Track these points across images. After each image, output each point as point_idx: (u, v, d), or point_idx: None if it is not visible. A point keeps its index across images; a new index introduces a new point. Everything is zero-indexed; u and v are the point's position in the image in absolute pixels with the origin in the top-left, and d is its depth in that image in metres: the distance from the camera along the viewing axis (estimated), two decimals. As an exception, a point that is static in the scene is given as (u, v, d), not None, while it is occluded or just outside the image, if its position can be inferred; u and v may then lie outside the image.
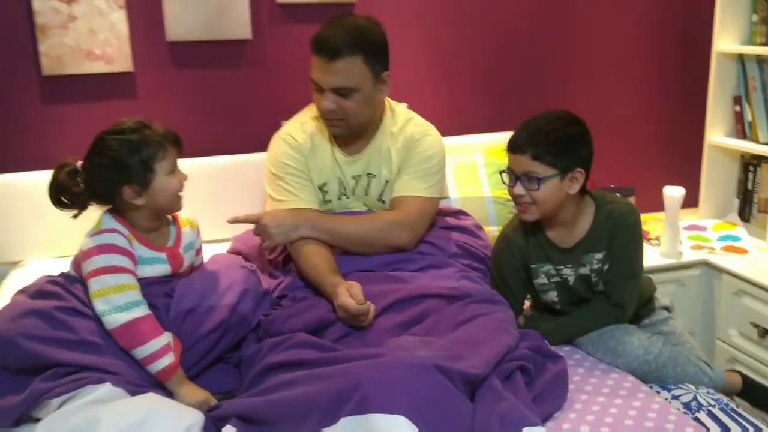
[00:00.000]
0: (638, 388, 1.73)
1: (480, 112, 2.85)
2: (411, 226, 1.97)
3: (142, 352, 1.59)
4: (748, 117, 2.78)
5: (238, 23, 2.53)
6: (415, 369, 1.37)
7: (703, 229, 2.86)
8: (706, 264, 2.64)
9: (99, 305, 1.61)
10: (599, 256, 1.89)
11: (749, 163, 2.87)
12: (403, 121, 2.10)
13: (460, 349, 1.55)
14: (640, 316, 2.03)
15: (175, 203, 1.78)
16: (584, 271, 1.91)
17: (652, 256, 2.66)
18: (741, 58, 2.78)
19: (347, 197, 2.07)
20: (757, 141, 2.75)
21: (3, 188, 2.33)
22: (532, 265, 1.92)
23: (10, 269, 2.35)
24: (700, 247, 2.71)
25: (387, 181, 2.07)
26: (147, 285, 1.70)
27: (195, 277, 1.82)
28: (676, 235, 2.64)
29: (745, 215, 2.91)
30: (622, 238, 1.87)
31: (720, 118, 2.86)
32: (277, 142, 2.06)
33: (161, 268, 1.77)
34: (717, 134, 2.88)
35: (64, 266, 2.23)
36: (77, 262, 1.73)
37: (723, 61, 2.81)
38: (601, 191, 2.07)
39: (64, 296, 1.66)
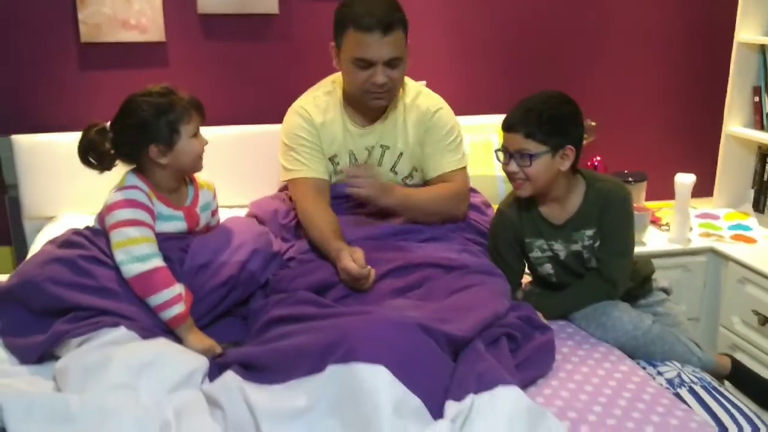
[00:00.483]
0: (623, 362, 1.81)
1: (497, 93, 2.91)
2: (465, 196, 2.19)
3: (155, 300, 1.72)
4: (767, 108, 2.79)
5: (266, -2, 2.63)
6: (399, 326, 1.47)
7: (715, 217, 2.89)
8: (713, 251, 2.68)
9: (119, 255, 1.74)
10: (590, 232, 1.96)
11: (766, 154, 2.88)
12: (414, 94, 2.19)
13: (449, 313, 1.65)
14: (637, 296, 2.09)
15: (197, 164, 1.90)
16: (576, 247, 1.98)
17: (660, 241, 2.71)
18: (762, 49, 2.79)
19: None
20: (774, 132, 2.77)
21: (40, 147, 2.48)
22: (526, 240, 2.01)
23: (45, 223, 2.50)
24: (708, 235, 2.75)
25: (401, 153, 2.16)
26: (164, 240, 1.83)
27: (210, 235, 1.94)
28: (686, 222, 2.69)
29: (759, 206, 2.93)
30: (612, 215, 1.94)
31: (738, 108, 2.88)
32: (290, 115, 2.16)
33: (178, 225, 1.89)
34: (735, 124, 2.90)
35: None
36: (101, 216, 1.85)
37: (744, 51, 2.82)
38: (592, 171, 2.13)
39: (87, 246, 1.79)
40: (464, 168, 2.22)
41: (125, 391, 1.47)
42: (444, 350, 1.52)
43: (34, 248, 2.31)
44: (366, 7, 1.96)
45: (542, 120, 1.86)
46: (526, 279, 2.18)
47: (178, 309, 1.73)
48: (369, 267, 1.81)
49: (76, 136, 2.45)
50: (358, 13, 1.96)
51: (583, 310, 1.98)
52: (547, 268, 2.03)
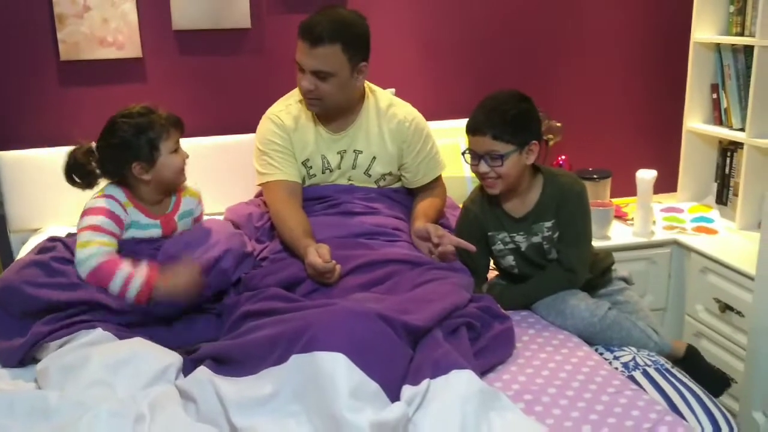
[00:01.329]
0: (580, 347, 1.90)
1: (464, 98, 3.00)
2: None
3: (112, 289, 1.84)
4: (724, 104, 2.90)
5: (238, 13, 2.74)
6: (358, 315, 1.57)
7: (680, 211, 2.99)
8: (677, 243, 2.79)
9: (76, 256, 1.88)
10: (548, 224, 2.06)
11: (727, 149, 2.99)
12: (386, 102, 2.30)
13: (409, 304, 1.74)
14: (596, 286, 2.19)
15: (178, 177, 2.02)
16: (536, 239, 2.08)
17: (625, 235, 2.81)
18: (718, 48, 2.91)
19: (330, 171, 2.27)
20: (731, 127, 2.87)
21: (23, 162, 2.57)
22: (489, 233, 2.10)
23: (30, 236, 2.59)
24: (672, 228, 2.85)
25: (374, 157, 2.27)
26: (136, 243, 1.94)
27: (184, 233, 2.06)
28: (648, 216, 2.79)
29: (722, 199, 3.03)
30: (568, 207, 2.04)
31: (698, 105, 2.99)
32: (264, 121, 2.27)
33: (153, 232, 2.01)
34: (695, 121, 3.01)
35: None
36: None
37: (700, 50, 2.93)
38: (549, 167, 2.23)
39: (60, 249, 1.92)
40: (442, 170, 2.41)
41: (102, 387, 1.57)
42: (402, 339, 1.61)
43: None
44: (313, 18, 2.09)
45: (506, 120, 1.95)
46: (492, 274, 2.28)
47: (136, 286, 1.83)
48: (334, 261, 1.90)
49: (58, 151, 2.59)
50: (305, 21, 2.09)
51: (544, 299, 2.08)
52: (509, 260, 2.13)
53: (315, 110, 2.20)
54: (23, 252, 2.42)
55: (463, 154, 2.06)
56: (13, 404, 1.48)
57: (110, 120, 1.97)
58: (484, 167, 2.00)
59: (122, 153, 1.93)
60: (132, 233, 1.97)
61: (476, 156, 2.01)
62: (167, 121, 1.97)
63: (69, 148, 2.56)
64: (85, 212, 1.93)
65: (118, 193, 1.97)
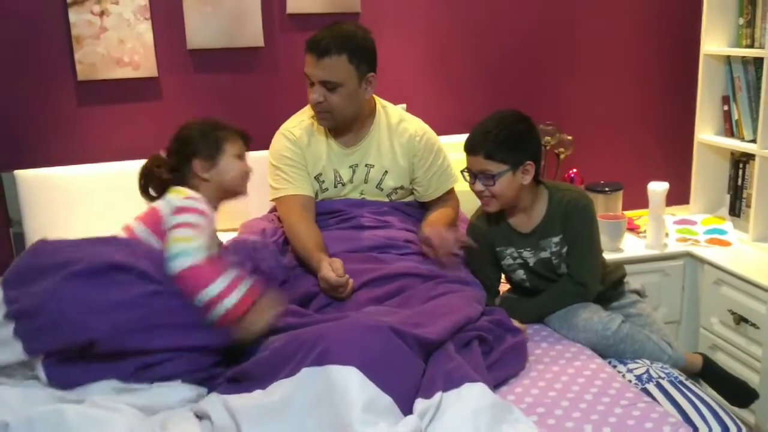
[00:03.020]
0: (592, 360, 1.91)
1: (475, 113, 2.99)
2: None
3: (211, 290, 1.72)
4: (735, 116, 2.91)
5: (252, 32, 2.78)
6: (370, 329, 1.58)
7: (693, 223, 2.99)
8: (690, 255, 2.78)
9: (174, 248, 1.76)
10: (556, 239, 2.07)
11: (739, 160, 2.99)
12: (397, 117, 2.33)
13: (422, 318, 1.76)
14: (609, 299, 2.19)
15: (241, 185, 2.04)
16: (544, 254, 2.09)
17: (637, 247, 2.81)
18: (728, 60, 2.91)
19: (343, 185, 2.30)
20: (743, 139, 2.87)
21: (41, 181, 2.61)
22: (497, 248, 2.12)
23: (48, 253, 2.63)
24: (685, 240, 2.85)
25: (386, 171, 2.29)
26: None
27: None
28: (661, 228, 2.79)
29: (735, 210, 3.02)
30: (575, 222, 2.05)
31: (709, 117, 3.00)
32: (277, 138, 2.31)
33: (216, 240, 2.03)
34: (706, 132, 3.01)
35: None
36: (152, 220, 1.91)
37: (710, 62, 2.94)
38: (554, 181, 2.24)
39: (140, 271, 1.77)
40: (455, 184, 2.43)
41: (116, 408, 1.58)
42: (415, 352, 1.63)
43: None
44: (319, 33, 2.14)
45: (499, 141, 1.98)
46: (504, 286, 2.29)
47: (239, 294, 1.74)
48: (347, 276, 1.92)
49: (76, 169, 2.65)
50: (313, 36, 2.14)
51: (557, 312, 2.09)
52: (520, 274, 2.14)
53: (326, 124, 2.23)
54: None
55: (462, 172, 2.09)
56: (32, 424, 1.48)
57: (182, 125, 2.06)
58: (479, 186, 2.03)
59: (186, 147, 1.98)
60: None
61: (473, 175, 2.04)
62: (234, 130, 2.04)
63: (86, 166, 2.65)
64: (182, 209, 1.85)
65: (199, 196, 1.93)
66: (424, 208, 2.39)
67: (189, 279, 1.74)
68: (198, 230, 1.83)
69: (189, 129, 2.01)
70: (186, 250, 1.76)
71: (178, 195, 1.93)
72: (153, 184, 2.00)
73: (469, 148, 2.02)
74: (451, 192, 2.41)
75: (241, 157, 2.02)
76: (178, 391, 1.69)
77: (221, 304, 1.72)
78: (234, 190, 2.04)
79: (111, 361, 1.68)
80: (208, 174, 1.97)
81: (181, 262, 1.75)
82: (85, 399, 1.63)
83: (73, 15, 2.61)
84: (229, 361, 1.80)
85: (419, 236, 2.17)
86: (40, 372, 1.67)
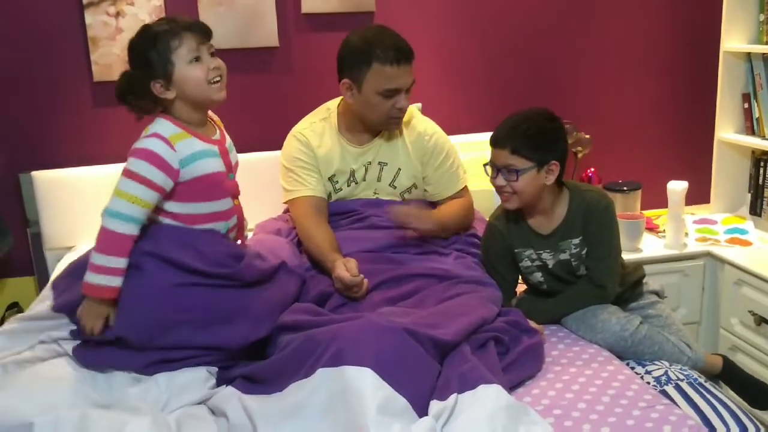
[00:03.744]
0: (610, 362, 1.88)
1: (490, 112, 3.01)
2: (473, 207, 2.40)
3: (96, 260, 1.69)
4: (756, 114, 2.86)
5: (266, 32, 2.78)
6: (384, 330, 1.57)
7: (713, 222, 2.95)
8: (710, 255, 2.74)
9: (114, 203, 1.70)
10: (576, 241, 2.04)
11: (760, 159, 2.94)
12: (408, 116, 2.32)
13: (437, 318, 1.74)
14: (628, 300, 2.16)
15: (208, 92, 1.76)
16: (564, 256, 2.06)
17: (656, 247, 2.78)
18: (749, 57, 2.87)
19: (356, 184, 2.29)
20: (764, 137, 2.83)
21: (58, 182, 2.63)
22: (516, 250, 2.09)
23: (65, 253, 2.64)
24: (705, 239, 2.81)
25: (399, 169, 2.29)
26: (214, 186, 1.83)
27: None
28: (680, 228, 2.75)
29: (756, 210, 2.98)
30: (595, 223, 2.02)
31: (729, 115, 2.95)
32: (289, 140, 2.30)
33: (215, 163, 1.82)
34: (726, 131, 2.96)
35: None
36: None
37: (731, 59, 2.89)
38: (575, 182, 2.21)
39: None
40: (466, 186, 2.41)
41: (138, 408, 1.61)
42: (430, 353, 1.61)
43: (55, 277, 2.45)
44: (388, 43, 2.09)
45: (527, 136, 1.95)
46: (521, 287, 2.26)
47: (107, 281, 1.68)
48: (361, 275, 1.91)
49: (92, 170, 2.66)
50: (383, 49, 2.08)
51: (574, 313, 2.06)
52: (537, 276, 2.12)
53: (397, 128, 2.26)
54: (59, 269, 2.47)
55: (484, 165, 2.06)
56: (57, 424, 1.50)
57: (128, 43, 1.78)
58: (500, 181, 2.00)
59: (139, 73, 1.74)
60: (194, 169, 1.76)
61: (495, 169, 2.01)
62: (179, 27, 1.71)
63: (103, 167, 2.66)
64: (134, 152, 1.73)
65: (164, 125, 1.77)
66: (436, 206, 2.38)
67: (100, 235, 1.70)
68: (142, 187, 1.68)
69: (134, 45, 1.74)
70: (120, 214, 1.68)
71: (146, 131, 1.78)
72: (127, 98, 1.79)
73: (495, 141, 2.00)
74: (461, 192, 2.39)
75: (197, 59, 1.73)
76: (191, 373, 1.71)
77: (87, 273, 1.69)
78: (202, 100, 1.78)
79: (133, 350, 1.72)
80: (170, 93, 1.74)
81: (108, 221, 1.69)
82: (109, 395, 1.67)
83: (89, 16, 2.63)
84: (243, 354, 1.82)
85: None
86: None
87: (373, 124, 2.22)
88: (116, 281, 1.69)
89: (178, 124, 1.78)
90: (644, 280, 2.22)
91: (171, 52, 1.72)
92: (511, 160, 1.96)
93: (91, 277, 1.69)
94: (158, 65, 1.72)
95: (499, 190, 2.02)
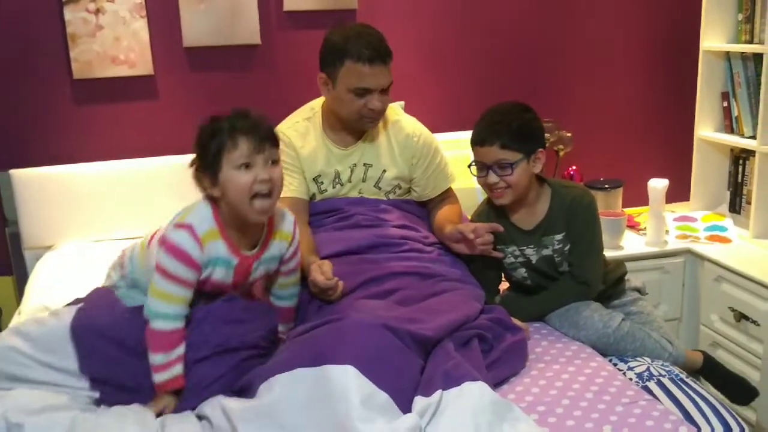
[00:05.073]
0: (593, 358, 1.89)
1: (473, 110, 2.97)
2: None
3: (155, 360, 1.66)
4: (735, 112, 2.89)
5: (248, 29, 2.76)
6: (363, 327, 1.57)
7: (693, 220, 2.98)
8: (690, 252, 2.77)
9: (151, 303, 1.67)
10: (558, 237, 2.05)
11: (739, 157, 2.98)
12: (394, 116, 2.32)
13: (419, 315, 1.74)
14: (610, 297, 2.18)
15: (246, 208, 1.64)
16: (547, 252, 2.07)
17: (637, 245, 2.80)
18: (727, 56, 2.90)
19: (342, 185, 2.28)
20: (743, 135, 2.86)
21: (37, 180, 2.59)
22: (498, 246, 2.10)
23: (44, 252, 2.60)
24: (685, 237, 2.83)
25: (384, 170, 2.28)
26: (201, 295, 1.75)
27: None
28: (661, 225, 2.78)
29: (735, 207, 3.01)
30: (578, 220, 2.04)
31: (708, 114, 2.98)
32: None
33: (223, 273, 1.72)
34: (706, 129, 3.00)
35: (92, 250, 2.51)
36: (155, 238, 1.76)
37: (710, 58, 2.92)
38: (556, 179, 2.23)
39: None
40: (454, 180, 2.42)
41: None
42: (411, 349, 1.61)
43: (34, 276, 2.42)
44: (363, 41, 2.08)
45: (512, 130, 1.97)
46: (504, 286, 2.27)
47: (161, 377, 1.66)
48: (336, 279, 1.89)
49: (72, 168, 2.63)
50: (358, 47, 2.07)
51: (557, 310, 2.07)
52: (521, 272, 2.13)
53: (375, 125, 2.23)
54: (39, 269, 2.45)
55: (469, 166, 2.07)
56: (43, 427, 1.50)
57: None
58: (493, 178, 2.00)
59: (197, 159, 1.67)
60: (209, 272, 1.70)
61: (484, 167, 2.02)
62: (236, 129, 1.61)
63: (82, 165, 2.63)
64: (164, 243, 1.66)
65: (203, 217, 1.68)
66: (422, 206, 2.38)
67: (150, 337, 1.67)
68: (175, 285, 1.64)
69: (200, 130, 1.67)
70: (160, 314, 1.65)
71: (183, 214, 1.70)
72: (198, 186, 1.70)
73: (481, 140, 2.00)
74: (450, 190, 2.40)
75: (247, 166, 1.62)
76: None
77: (153, 375, 1.66)
78: (240, 210, 1.65)
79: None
80: (215, 191, 1.65)
81: (154, 323, 1.67)
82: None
83: (69, 13, 2.60)
84: None
85: (446, 237, 2.13)
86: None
87: (347, 122, 2.21)
88: (178, 369, 1.66)
89: (216, 218, 1.69)
90: (626, 278, 2.24)
91: (223, 152, 1.62)
92: (502, 155, 1.96)
93: (158, 377, 1.65)
94: (209, 160, 1.64)
95: (491, 187, 2.02)
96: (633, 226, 2.95)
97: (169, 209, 1.80)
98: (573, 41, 3.11)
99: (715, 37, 2.90)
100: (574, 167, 3.01)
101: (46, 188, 2.60)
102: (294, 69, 2.84)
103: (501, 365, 1.77)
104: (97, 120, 2.72)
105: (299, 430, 1.45)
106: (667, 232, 2.85)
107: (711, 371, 2.15)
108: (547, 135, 2.93)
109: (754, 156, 2.78)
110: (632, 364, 1.97)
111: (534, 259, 2.08)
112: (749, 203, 2.86)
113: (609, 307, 2.14)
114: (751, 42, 2.80)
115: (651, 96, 3.24)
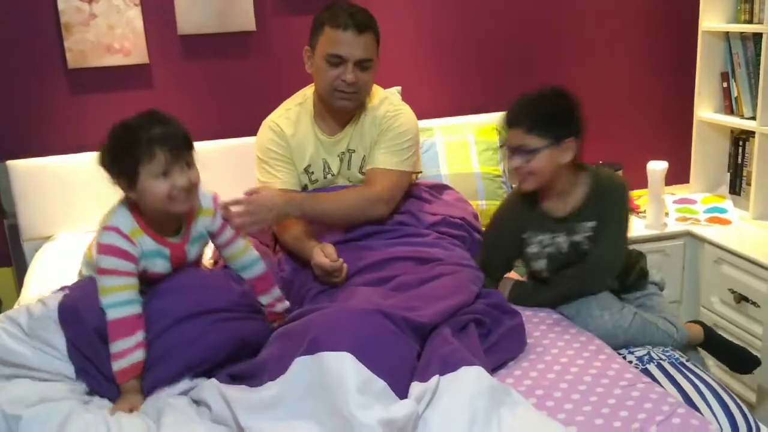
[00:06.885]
0: (592, 342, 1.88)
1: (472, 95, 3.00)
2: (386, 200, 2.15)
3: (116, 347, 1.67)
4: (735, 93, 2.87)
5: (243, 16, 2.74)
6: (358, 313, 1.57)
7: (692, 202, 2.97)
8: (690, 234, 2.76)
9: (103, 300, 1.70)
10: (591, 224, 2.00)
11: (738, 138, 2.96)
12: (379, 100, 2.28)
13: (415, 301, 1.74)
14: (630, 288, 2.14)
15: (168, 206, 1.71)
16: (577, 238, 2.01)
17: (637, 227, 2.79)
18: (727, 36, 2.87)
19: (332, 175, 2.26)
20: (742, 116, 2.84)
21: (34, 171, 2.59)
22: (525, 234, 2.05)
23: (42, 243, 2.60)
24: (685, 219, 2.82)
25: (364, 156, 2.25)
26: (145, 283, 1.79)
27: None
28: (661, 207, 2.77)
29: (735, 189, 3.00)
30: (610, 207, 1.99)
31: (708, 95, 2.96)
32: (262, 129, 2.27)
33: (161, 265, 1.79)
34: (706, 110, 2.97)
35: (89, 240, 2.51)
36: (93, 248, 1.81)
37: (709, 39, 2.90)
38: (595, 166, 2.15)
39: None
40: (402, 172, 2.20)
41: None
42: (407, 335, 1.61)
43: (34, 267, 2.42)
44: (343, 11, 2.09)
45: (540, 114, 1.93)
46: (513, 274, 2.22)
47: (121, 364, 1.66)
48: (341, 260, 1.89)
49: (68, 158, 2.62)
50: (336, 13, 2.08)
51: (568, 310, 2.03)
52: (541, 264, 2.07)
53: (349, 106, 2.16)
54: (38, 259, 2.45)
55: (501, 147, 2.03)
56: (40, 418, 1.50)
57: (113, 125, 1.75)
58: (516, 161, 1.96)
59: (109, 165, 1.72)
60: (143, 265, 1.76)
61: (511, 150, 1.98)
62: (154, 140, 1.65)
63: (79, 155, 2.62)
64: (98, 249, 1.73)
65: (124, 218, 1.75)
66: (411, 193, 2.31)
67: (108, 329, 1.68)
68: (117, 277, 1.69)
69: (108, 139, 1.71)
70: (110, 304, 1.68)
71: (104, 220, 1.76)
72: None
73: (510, 122, 1.97)
74: (386, 174, 2.16)
75: (165, 174, 1.67)
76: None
77: (112, 364, 1.67)
78: (161, 210, 1.72)
79: None
80: (133, 194, 1.71)
81: (109, 314, 1.68)
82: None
83: (62, 2, 2.58)
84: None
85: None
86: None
87: (325, 101, 2.16)
88: (138, 356, 1.67)
89: (136, 218, 1.75)
90: (650, 271, 2.19)
91: (140, 164, 1.67)
92: (526, 140, 1.93)
93: (116, 365, 1.66)
94: (124, 168, 1.69)
95: (516, 171, 1.98)
96: (633, 209, 2.94)
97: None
98: (572, 24, 3.08)
99: (714, 17, 2.87)
100: (572, 150, 2.99)
101: (43, 179, 2.60)
102: (290, 55, 2.81)
103: (499, 350, 1.77)
104: (92, 109, 2.70)
105: (298, 417, 1.45)
106: (666, 214, 2.84)
107: (711, 342, 2.14)
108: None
109: (754, 137, 2.76)
110: (632, 347, 1.97)
111: (565, 246, 2.02)
112: (749, 184, 2.84)
113: (625, 299, 2.10)
114: (750, 22, 2.77)
115: (650, 78, 3.21)
